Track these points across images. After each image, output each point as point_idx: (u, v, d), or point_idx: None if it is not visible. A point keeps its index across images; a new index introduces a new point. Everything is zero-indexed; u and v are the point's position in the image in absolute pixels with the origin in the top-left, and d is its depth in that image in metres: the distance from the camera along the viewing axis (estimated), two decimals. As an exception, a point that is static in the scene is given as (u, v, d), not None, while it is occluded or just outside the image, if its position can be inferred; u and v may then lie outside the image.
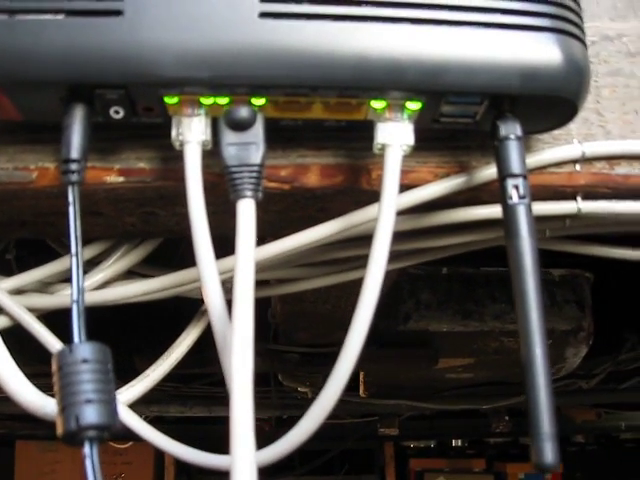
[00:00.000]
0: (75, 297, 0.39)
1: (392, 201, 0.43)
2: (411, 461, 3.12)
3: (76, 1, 0.42)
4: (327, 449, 2.82)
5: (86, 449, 0.35)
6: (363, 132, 0.47)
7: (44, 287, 0.60)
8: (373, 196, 0.49)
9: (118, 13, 0.41)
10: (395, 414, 2.01)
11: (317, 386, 1.70)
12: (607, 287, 1.16)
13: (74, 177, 0.42)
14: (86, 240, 0.61)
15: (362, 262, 0.60)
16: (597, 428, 2.50)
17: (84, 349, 0.37)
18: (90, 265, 0.60)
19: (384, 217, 0.43)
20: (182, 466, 2.94)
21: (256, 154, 0.42)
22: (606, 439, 3.01)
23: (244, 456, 0.36)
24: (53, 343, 0.54)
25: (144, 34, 0.41)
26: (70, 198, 0.42)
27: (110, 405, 0.37)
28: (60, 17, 0.41)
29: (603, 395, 1.67)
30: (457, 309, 1.11)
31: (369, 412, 1.99)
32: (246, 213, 0.41)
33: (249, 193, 0.41)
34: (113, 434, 0.37)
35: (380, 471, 3.12)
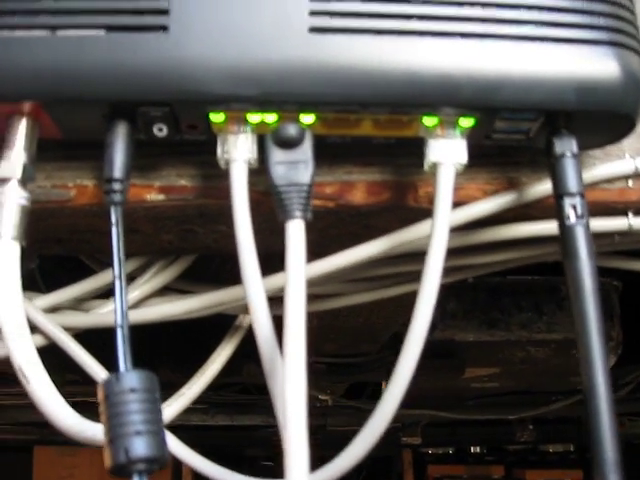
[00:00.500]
0: (119, 322, 0.38)
1: (446, 221, 0.41)
2: (429, 467, 3.10)
3: (118, 16, 0.41)
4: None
5: (136, 482, 0.34)
6: (409, 148, 0.45)
7: (78, 304, 0.59)
8: (419, 213, 0.48)
9: (163, 28, 0.40)
10: (418, 423, 2.00)
11: (337, 394, 1.69)
12: (635, 296, 1.14)
13: (117, 197, 0.41)
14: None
15: (401, 279, 0.59)
16: (621, 435, 2.47)
17: (131, 378, 0.36)
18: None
19: (437, 237, 0.41)
20: (200, 477, 2.93)
21: (305, 173, 0.41)
22: (627, 446, 2.98)
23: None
24: (94, 368, 0.53)
25: (190, 50, 0.40)
26: (113, 219, 0.41)
27: (159, 436, 0.35)
28: (102, 33, 0.40)
29: (631, 404, 1.65)
30: (483, 319, 1.10)
31: (392, 420, 1.97)
32: (296, 234, 0.39)
33: (299, 214, 0.40)
34: (162, 465, 0.35)
35: (398, 477, 3.10)
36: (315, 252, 0.52)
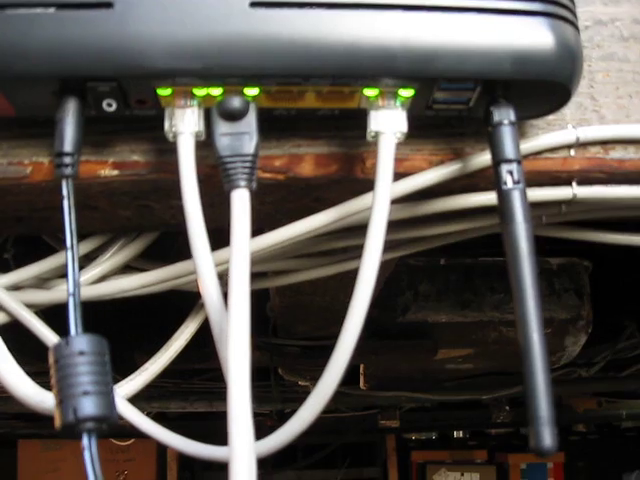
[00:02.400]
0: (71, 290, 0.39)
1: (386, 189, 0.43)
2: (413, 453, 3.13)
3: (67, -6, 0.42)
4: (328, 442, 2.82)
5: (84, 441, 0.35)
6: (357, 120, 0.47)
7: (42, 283, 0.60)
8: (368, 185, 0.49)
9: (108, 5, 0.41)
10: (396, 406, 2.01)
11: (317, 379, 1.70)
12: (605, 275, 1.16)
13: (68, 170, 0.42)
14: (83, 235, 0.61)
15: (359, 252, 0.60)
16: (598, 417, 2.50)
17: (80, 341, 0.37)
18: (87, 260, 0.60)
19: (378, 205, 0.43)
20: (185, 462, 2.94)
21: (249, 144, 0.42)
22: (607, 428, 3.01)
23: (242, 445, 0.36)
24: (50, 337, 0.54)
25: (135, 26, 0.41)
26: (64, 192, 0.42)
27: (108, 397, 0.37)
28: (51, 10, 0.41)
29: (603, 383, 1.68)
30: (456, 300, 1.11)
31: (370, 405, 1.99)
32: (240, 203, 0.41)
33: (243, 183, 0.41)
34: (111, 426, 0.37)
35: (382, 464, 3.12)
36: (272, 227, 0.54)
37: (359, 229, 0.55)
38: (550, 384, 0.40)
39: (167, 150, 0.47)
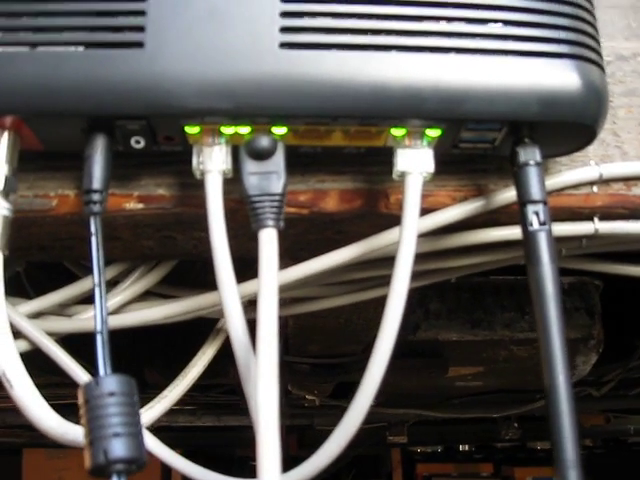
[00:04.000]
0: (99, 328, 0.40)
1: (413, 228, 0.43)
2: (418, 466, 3.12)
3: (96, 33, 0.42)
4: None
5: (114, 482, 0.36)
6: (381, 156, 0.47)
7: (61, 309, 0.60)
8: (391, 219, 0.49)
9: (139, 45, 0.41)
10: (404, 422, 2.01)
11: (324, 394, 1.70)
12: (616, 294, 1.16)
13: (96, 208, 0.42)
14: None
15: (377, 282, 0.61)
16: (605, 432, 2.50)
17: (110, 382, 0.37)
18: (107, 287, 0.61)
19: (405, 245, 0.43)
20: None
21: (277, 183, 0.42)
22: (614, 443, 3.00)
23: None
24: (76, 372, 0.54)
25: (165, 65, 0.41)
26: (93, 229, 0.42)
27: (137, 438, 0.37)
28: (80, 49, 0.42)
29: (613, 402, 1.67)
30: (466, 318, 1.11)
31: (377, 419, 1.99)
32: (268, 243, 0.41)
33: (271, 223, 0.41)
34: (141, 467, 0.37)
35: (387, 476, 3.11)
36: (291, 257, 0.54)
37: (379, 261, 0.55)
38: (577, 426, 0.40)
39: (192, 184, 0.47)
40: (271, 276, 0.40)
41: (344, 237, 0.52)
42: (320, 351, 1.14)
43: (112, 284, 0.61)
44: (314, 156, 0.48)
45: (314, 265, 0.51)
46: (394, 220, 0.49)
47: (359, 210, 0.49)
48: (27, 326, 0.55)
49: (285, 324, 1.03)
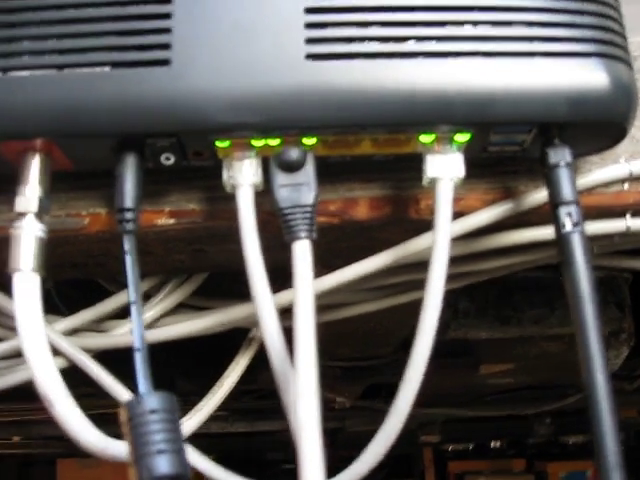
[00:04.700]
0: (139, 345, 0.40)
1: (446, 235, 0.43)
2: (450, 464, 3.10)
3: (123, 52, 0.42)
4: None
5: (160, 498, 0.36)
6: (409, 162, 0.47)
7: (95, 325, 0.61)
8: (422, 224, 0.49)
9: (166, 62, 0.42)
10: (436, 421, 2.00)
11: (354, 396, 1.70)
12: (645, 287, 1.15)
13: (129, 226, 0.43)
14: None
15: (408, 286, 0.61)
16: (638, 424, 2.47)
17: (153, 400, 0.37)
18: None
19: (439, 250, 0.43)
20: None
21: (308, 195, 0.42)
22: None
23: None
24: (116, 389, 0.54)
25: (193, 82, 0.41)
26: (127, 247, 0.42)
27: (180, 454, 0.37)
28: (107, 69, 0.42)
29: (647, 395, 1.65)
30: (495, 316, 1.10)
31: (409, 419, 1.98)
32: (302, 254, 0.41)
33: (304, 234, 0.41)
34: (185, 483, 0.37)
35: (420, 475, 3.11)
36: (324, 265, 0.54)
37: (411, 266, 0.55)
38: (617, 426, 0.40)
39: (221, 198, 0.48)
40: (307, 288, 0.40)
41: (375, 243, 0.52)
42: (350, 354, 1.14)
43: (144, 298, 0.62)
44: (343, 165, 0.48)
45: (348, 273, 0.51)
46: (424, 225, 0.49)
47: (389, 217, 0.49)
48: (64, 344, 0.55)
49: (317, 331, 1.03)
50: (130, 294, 0.42)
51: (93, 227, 0.49)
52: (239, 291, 0.68)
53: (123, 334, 0.58)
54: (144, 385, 0.39)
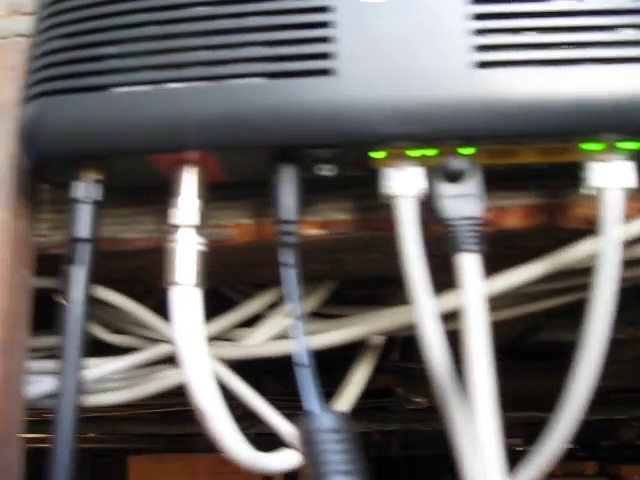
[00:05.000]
0: (305, 362, 0.39)
1: (616, 251, 0.41)
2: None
3: (281, 63, 0.42)
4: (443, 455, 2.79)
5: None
6: (561, 170, 0.45)
7: (222, 334, 0.60)
8: (574, 233, 0.47)
9: (329, 72, 0.41)
10: (517, 425, 1.97)
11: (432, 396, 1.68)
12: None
13: (291, 239, 0.42)
14: (259, 285, 0.61)
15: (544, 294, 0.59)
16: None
17: (329, 419, 0.37)
18: (268, 310, 0.61)
19: (609, 262, 0.41)
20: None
21: (477, 206, 0.41)
22: None
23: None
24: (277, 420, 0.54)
25: (358, 92, 0.41)
26: (289, 260, 0.42)
27: (360, 475, 0.36)
28: (264, 80, 0.42)
29: None
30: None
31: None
32: (472, 268, 0.40)
33: (474, 247, 0.40)
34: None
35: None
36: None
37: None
38: None
39: (373, 207, 0.47)
40: (478, 304, 0.39)
41: (515, 251, 0.51)
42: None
43: (270, 307, 0.61)
44: (495, 173, 0.47)
45: (507, 280, 0.49)
46: (577, 234, 0.47)
47: (542, 226, 0.48)
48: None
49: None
50: (293, 310, 0.41)
51: (240, 238, 0.49)
52: (358, 296, 0.67)
53: (258, 345, 0.58)
54: (317, 403, 0.38)
